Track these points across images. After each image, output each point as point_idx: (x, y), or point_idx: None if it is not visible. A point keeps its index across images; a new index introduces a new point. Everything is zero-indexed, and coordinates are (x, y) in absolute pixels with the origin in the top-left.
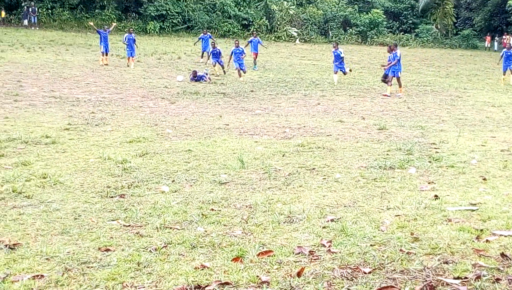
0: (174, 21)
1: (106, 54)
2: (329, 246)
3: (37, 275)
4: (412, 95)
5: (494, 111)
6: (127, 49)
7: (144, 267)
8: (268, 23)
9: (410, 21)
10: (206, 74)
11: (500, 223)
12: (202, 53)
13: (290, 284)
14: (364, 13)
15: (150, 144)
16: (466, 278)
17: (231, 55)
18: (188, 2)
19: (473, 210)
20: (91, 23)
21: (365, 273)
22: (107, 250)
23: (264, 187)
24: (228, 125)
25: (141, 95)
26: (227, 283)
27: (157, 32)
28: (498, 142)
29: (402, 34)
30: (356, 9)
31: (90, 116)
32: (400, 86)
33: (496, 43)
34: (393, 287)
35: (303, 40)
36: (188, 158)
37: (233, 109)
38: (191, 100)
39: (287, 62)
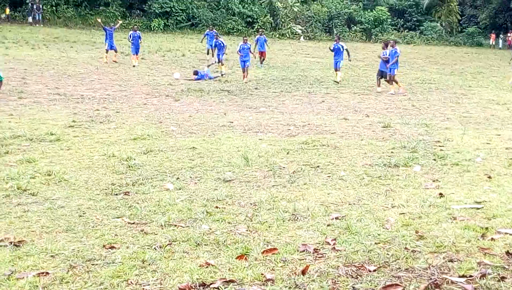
0: (178, 18)
1: (116, 51)
2: (333, 244)
3: (42, 272)
4: (416, 93)
5: (499, 109)
6: (132, 46)
7: (149, 264)
8: (272, 21)
9: (415, 19)
10: (211, 73)
11: (505, 221)
12: (208, 50)
13: (294, 282)
14: (369, 10)
15: (154, 141)
16: (471, 276)
17: (239, 51)
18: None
19: (478, 208)
20: (99, 20)
21: (370, 271)
22: (112, 247)
23: (269, 185)
24: (232, 122)
25: (145, 93)
26: (231, 281)
27: (161, 29)
28: (503, 140)
29: (407, 32)
30: (360, 7)
31: (94, 113)
32: (396, 83)
33: (501, 41)
34: (398, 285)
35: (307, 38)
36: (193, 155)
37: (238, 106)
38: (195, 98)
39: (291, 60)
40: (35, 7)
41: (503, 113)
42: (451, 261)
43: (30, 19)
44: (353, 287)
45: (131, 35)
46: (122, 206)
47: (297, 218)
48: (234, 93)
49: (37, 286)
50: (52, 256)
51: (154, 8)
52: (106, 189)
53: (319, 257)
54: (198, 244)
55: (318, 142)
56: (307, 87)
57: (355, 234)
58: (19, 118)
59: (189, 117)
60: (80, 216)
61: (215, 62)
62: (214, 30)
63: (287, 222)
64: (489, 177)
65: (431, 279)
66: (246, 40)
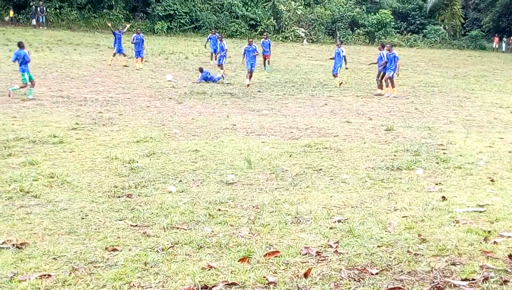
0: (181, 21)
1: (124, 55)
2: (336, 247)
3: (44, 275)
4: (419, 96)
5: (502, 112)
6: (135, 49)
7: (151, 267)
8: (275, 23)
9: (418, 22)
10: (222, 76)
11: (508, 225)
12: (211, 55)
13: (297, 285)
14: (372, 13)
15: (157, 144)
16: (473, 279)
17: (244, 54)
18: (196, 2)
19: (480, 212)
20: (109, 24)
21: (372, 274)
22: (114, 250)
23: (271, 188)
24: (235, 125)
25: (148, 95)
26: (234, 284)
27: (164, 32)
28: (506, 143)
29: (410, 35)
30: (363, 10)
31: (97, 115)
32: (391, 86)
33: (504, 44)
34: (401, 288)
35: (310, 41)
36: (195, 158)
37: (240, 109)
38: (198, 100)
39: (294, 63)
40: (38, 9)
41: (506, 116)
42: (453, 264)
43: (33, 21)
44: None
45: (134, 38)
46: (124, 208)
47: (300, 221)
48: (237, 96)
49: (39, 288)
50: (54, 258)
51: (158, 11)
52: (108, 192)
53: (321, 260)
54: (200, 246)
55: (320, 145)
56: (310, 90)
57: (358, 237)
58: (22, 120)
59: (192, 119)
60: (83, 218)
61: (222, 75)
62: (216, 33)
63: (290, 225)
64: (492, 181)
65: (433, 282)
66: (251, 42)
